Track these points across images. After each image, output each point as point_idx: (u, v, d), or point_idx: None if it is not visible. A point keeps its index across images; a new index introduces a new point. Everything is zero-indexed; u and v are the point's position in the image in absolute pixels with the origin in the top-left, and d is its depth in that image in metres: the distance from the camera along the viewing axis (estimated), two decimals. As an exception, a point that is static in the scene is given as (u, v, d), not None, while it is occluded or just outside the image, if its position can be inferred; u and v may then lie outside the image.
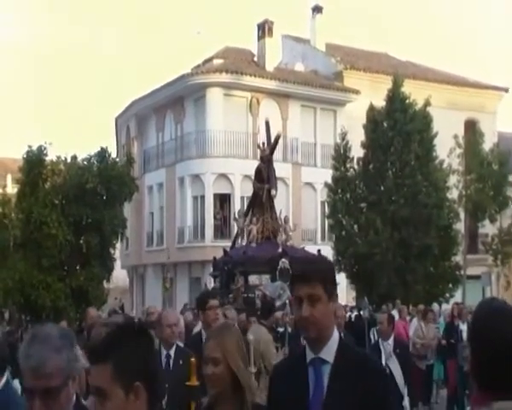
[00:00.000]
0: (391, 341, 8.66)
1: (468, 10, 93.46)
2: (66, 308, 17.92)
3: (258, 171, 20.42)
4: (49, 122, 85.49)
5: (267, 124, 21.84)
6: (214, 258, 20.38)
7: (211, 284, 20.67)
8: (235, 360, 3.31)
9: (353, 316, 16.87)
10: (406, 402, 8.49)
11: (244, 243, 19.78)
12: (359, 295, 22.10)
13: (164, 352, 6.37)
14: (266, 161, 20.25)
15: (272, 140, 20.97)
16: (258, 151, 21.85)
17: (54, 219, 18.89)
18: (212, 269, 21.04)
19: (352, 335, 12.06)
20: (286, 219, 20.29)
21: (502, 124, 40.95)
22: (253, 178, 32.14)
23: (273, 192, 20.17)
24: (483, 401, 2.27)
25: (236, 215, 21.10)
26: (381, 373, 3.09)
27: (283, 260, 17.87)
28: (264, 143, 20.61)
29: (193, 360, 4.92)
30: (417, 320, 15.60)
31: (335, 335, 3.03)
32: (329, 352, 2.97)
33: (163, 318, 6.69)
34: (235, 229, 31.90)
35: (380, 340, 8.96)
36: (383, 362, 8.40)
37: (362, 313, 16.79)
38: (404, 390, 8.55)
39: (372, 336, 12.40)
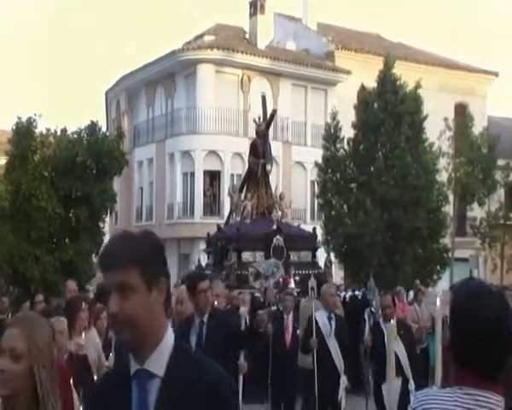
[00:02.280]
0: (394, 322, 8.54)
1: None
2: (55, 282, 17.84)
3: (254, 146, 20.03)
4: (38, 94, 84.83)
5: (263, 98, 21.66)
6: (208, 234, 20.16)
7: (204, 260, 20.49)
8: (42, 359, 2.66)
9: (348, 296, 16.70)
10: (412, 386, 8.39)
11: (238, 219, 19.50)
12: (348, 274, 22.19)
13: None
14: (262, 136, 19.86)
15: (268, 115, 20.70)
16: (254, 126, 21.50)
17: (43, 192, 18.73)
18: (205, 245, 20.81)
19: (347, 316, 12.05)
20: (281, 196, 19.92)
21: (492, 108, 41.10)
22: (243, 155, 32.36)
23: (268, 167, 19.80)
24: (466, 380, 2.30)
25: (231, 191, 20.83)
26: (225, 389, 2.26)
27: (278, 237, 17.73)
28: (259, 118, 20.24)
29: None
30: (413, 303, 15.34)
31: (167, 339, 2.29)
32: (158, 362, 2.24)
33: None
34: (224, 206, 32.12)
35: (380, 320, 8.89)
36: (386, 344, 8.45)
37: (358, 293, 16.56)
38: (409, 373, 8.48)
39: (367, 318, 12.34)
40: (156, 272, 2.27)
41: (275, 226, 18.22)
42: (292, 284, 16.42)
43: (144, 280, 2.23)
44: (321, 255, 21.00)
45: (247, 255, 17.81)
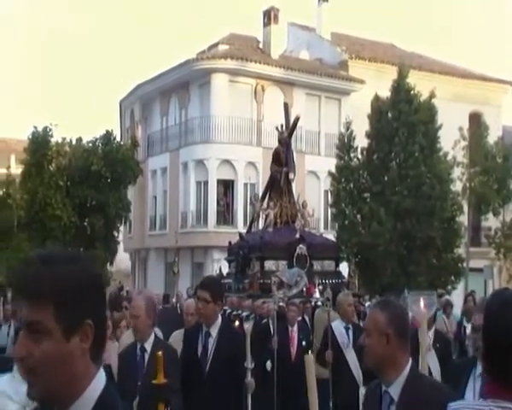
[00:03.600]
0: (431, 333, 7.92)
1: (474, 3, 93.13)
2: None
3: (276, 154, 19.67)
4: (54, 104, 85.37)
5: (286, 106, 21.53)
6: (230, 242, 19.88)
7: (225, 268, 20.26)
8: None
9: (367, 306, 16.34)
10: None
11: (260, 228, 19.28)
12: (362, 284, 22.12)
13: (138, 344, 5.61)
14: (284, 144, 19.49)
15: (291, 123, 20.48)
16: (274, 134, 21.26)
17: (58, 201, 18.93)
18: (226, 254, 20.43)
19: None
20: (304, 204, 19.42)
21: (506, 117, 40.88)
22: (256, 164, 32.42)
23: (291, 176, 19.41)
24: (498, 392, 2.27)
25: (253, 199, 20.55)
26: None
27: (301, 245, 17.48)
28: (282, 126, 19.87)
29: (160, 354, 4.20)
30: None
31: (90, 392, 1.78)
32: None
33: (132, 303, 6.02)
34: (238, 215, 32.17)
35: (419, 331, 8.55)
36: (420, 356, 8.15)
37: None
38: None
39: None
40: (78, 314, 1.74)
41: (298, 235, 17.91)
42: (317, 294, 16.28)
43: (59, 323, 1.72)
44: (343, 265, 20.87)
45: (269, 264, 17.54)
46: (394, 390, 3.19)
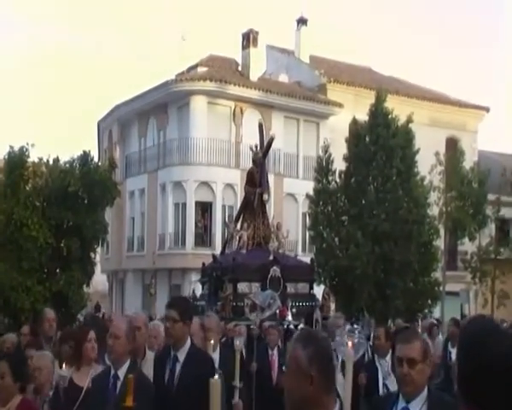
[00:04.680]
0: (388, 358, 8.03)
1: (451, 29, 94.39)
2: (40, 311, 17.69)
3: (250, 174, 19.47)
4: (30, 123, 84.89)
5: (260, 126, 21.53)
6: (203, 264, 19.68)
7: (198, 290, 20.15)
8: None
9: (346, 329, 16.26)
10: None
11: (234, 250, 19.02)
12: (338, 308, 22.10)
13: (112, 371, 5.34)
14: (259, 164, 19.30)
15: (265, 143, 20.33)
16: (249, 155, 21.13)
17: (35, 222, 18.67)
18: (200, 275, 20.33)
19: None
20: (278, 226, 19.30)
21: (482, 143, 41.40)
22: (234, 186, 32.45)
23: (265, 197, 19.23)
24: None
25: (227, 221, 20.41)
26: None
27: (275, 267, 17.32)
28: (256, 146, 19.77)
29: (131, 376, 4.30)
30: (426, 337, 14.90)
31: None
32: None
33: (113, 323, 5.83)
34: (216, 237, 32.11)
35: (375, 357, 8.37)
36: (380, 382, 7.97)
37: (356, 326, 16.06)
38: None
39: (366, 353, 11.85)
40: None
41: (272, 257, 17.77)
42: (289, 317, 16.20)
43: None
44: (319, 287, 20.79)
45: (243, 286, 17.30)
46: None
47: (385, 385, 7.92)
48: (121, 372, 5.22)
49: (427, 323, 16.25)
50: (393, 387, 7.83)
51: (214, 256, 19.30)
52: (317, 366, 2.86)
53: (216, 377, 3.95)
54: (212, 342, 6.08)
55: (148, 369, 5.89)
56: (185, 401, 5.11)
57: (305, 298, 17.91)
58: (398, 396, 4.21)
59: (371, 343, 11.78)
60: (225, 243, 20.34)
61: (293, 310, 16.59)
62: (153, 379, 5.59)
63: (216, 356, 6.77)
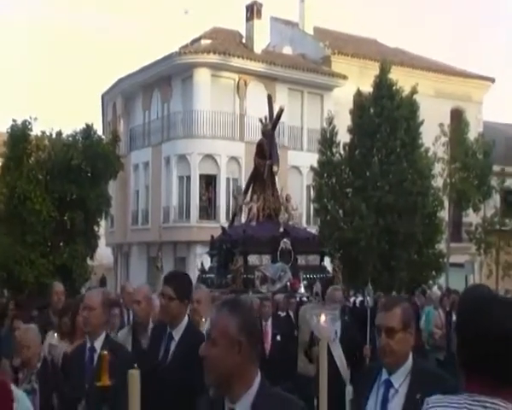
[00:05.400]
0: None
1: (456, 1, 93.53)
2: (49, 285, 17.78)
3: (260, 146, 19.28)
4: (34, 97, 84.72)
5: (270, 98, 21.23)
6: (212, 236, 19.45)
7: (207, 263, 19.93)
8: None
9: (358, 301, 16.04)
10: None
11: (243, 222, 18.80)
12: (344, 280, 22.15)
13: (88, 343, 5.13)
14: (268, 136, 19.15)
15: (274, 115, 20.03)
16: (259, 128, 20.80)
17: (38, 195, 18.73)
18: (209, 248, 20.07)
19: (357, 322, 11.34)
20: (288, 198, 19.13)
21: (487, 114, 41.16)
22: (239, 159, 32.37)
23: (275, 168, 19.12)
24: (472, 385, 2.29)
25: (235, 192, 20.16)
26: None
27: (285, 240, 17.24)
28: (266, 118, 19.53)
29: (105, 353, 4.09)
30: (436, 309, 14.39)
31: None
32: None
33: (87, 294, 5.64)
34: (220, 210, 32.11)
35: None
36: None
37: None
38: None
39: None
40: None
41: (282, 229, 17.70)
42: (302, 289, 16.10)
43: None
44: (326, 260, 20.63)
45: (253, 259, 17.24)
46: (242, 408, 2.70)
47: None
48: (97, 345, 5.03)
49: (436, 295, 15.97)
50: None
51: (223, 229, 19.11)
52: (246, 332, 2.71)
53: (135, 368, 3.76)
54: (204, 319, 5.69)
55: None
56: (176, 380, 4.84)
57: (316, 270, 17.83)
58: (382, 367, 3.93)
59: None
60: (234, 216, 20.16)
61: (305, 282, 16.46)
62: (147, 354, 5.41)
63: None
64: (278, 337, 10.30)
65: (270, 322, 10.54)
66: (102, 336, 5.09)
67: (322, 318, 3.49)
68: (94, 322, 5.07)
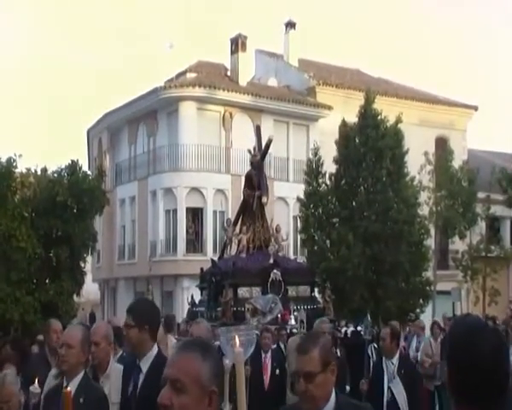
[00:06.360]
0: (395, 360, 7.82)
1: (439, 29, 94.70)
2: (34, 323, 17.64)
3: (249, 177, 19.21)
4: (18, 133, 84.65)
5: (258, 129, 21.27)
6: (201, 269, 19.39)
7: (197, 296, 19.84)
8: None
9: (349, 332, 16.01)
10: None
11: (233, 254, 18.71)
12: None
13: (64, 383, 4.86)
14: (257, 167, 19.08)
15: (263, 146, 19.87)
16: (246, 159, 20.81)
17: (23, 232, 18.61)
18: (198, 281, 19.90)
19: (349, 352, 11.04)
20: (277, 228, 18.98)
21: (471, 141, 41.48)
22: (225, 192, 32.40)
23: (264, 199, 18.91)
24: None
25: (225, 224, 20.07)
26: None
27: (275, 271, 17.09)
28: (254, 148, 19.45)
29: (68, 390, 3.90)
30: (415, 337, 14.65)
31: None
32: None
33: (65, 332, 5.40)
34: (207, 243, 32.07)
35: (383, 358, 8.04)
36: (385, 385, 7.73)
37: (360, 328, 14.73)
38: None
39: (370, 353, 11.21)
40: None
41: (272, 260, 17.52)
42: (292, 321, 16.01)
43: None
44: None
45: (243, 291, 17.05)
46: None
47: (389, 389, 7.73)
48: (73, 385, 4.75)
49: (423, 324, 16.09)
50: (398, 391, 7.64)
51: (213, 261, 18.96)
52: (218, 382, 2.41)
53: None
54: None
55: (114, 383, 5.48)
56: None
57: (306, 301, 17.74)
58: None
59: (375, 345, 11.65)
60: (223, 248, 20.03)
61: (295, 314, 16.36)
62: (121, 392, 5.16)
63: None
64: (277, 371, 10.18)
65: (269, 354, 10.41)
66: (80, 376, 4.88)
67: (237, 341, 3.13)
68: (71, 361, 4.87)
